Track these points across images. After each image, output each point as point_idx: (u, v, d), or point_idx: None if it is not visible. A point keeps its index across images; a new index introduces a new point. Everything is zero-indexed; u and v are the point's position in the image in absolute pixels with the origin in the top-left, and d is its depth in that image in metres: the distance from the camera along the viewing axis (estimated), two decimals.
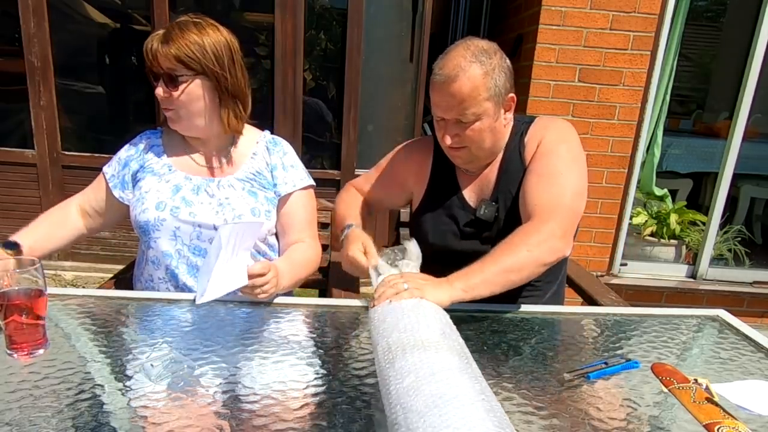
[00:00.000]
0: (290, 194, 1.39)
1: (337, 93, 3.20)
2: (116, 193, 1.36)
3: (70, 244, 1.38)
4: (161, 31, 1.22)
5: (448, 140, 1.24)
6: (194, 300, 1.15)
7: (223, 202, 1.31)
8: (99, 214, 1.39)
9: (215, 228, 1.27)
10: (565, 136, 1.29)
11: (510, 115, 1.29)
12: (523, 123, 1.35)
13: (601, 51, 2.78)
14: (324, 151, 3.26)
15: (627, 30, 2.75)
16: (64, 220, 1.36)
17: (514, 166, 1.31)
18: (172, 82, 1.23)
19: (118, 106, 3.31)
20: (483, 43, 1.21)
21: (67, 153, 3.16)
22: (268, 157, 1.40)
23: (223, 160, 1.37)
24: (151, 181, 1.32)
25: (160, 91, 1.24)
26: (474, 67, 1.16)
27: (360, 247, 1.24)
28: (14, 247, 1.20)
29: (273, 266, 1.17)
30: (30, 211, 3.20)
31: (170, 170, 1.34)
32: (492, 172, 1.35)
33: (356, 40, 3.02)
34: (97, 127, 3.27)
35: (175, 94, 1.24)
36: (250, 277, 1.12)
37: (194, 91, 1.25)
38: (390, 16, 3.12)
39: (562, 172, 1.22)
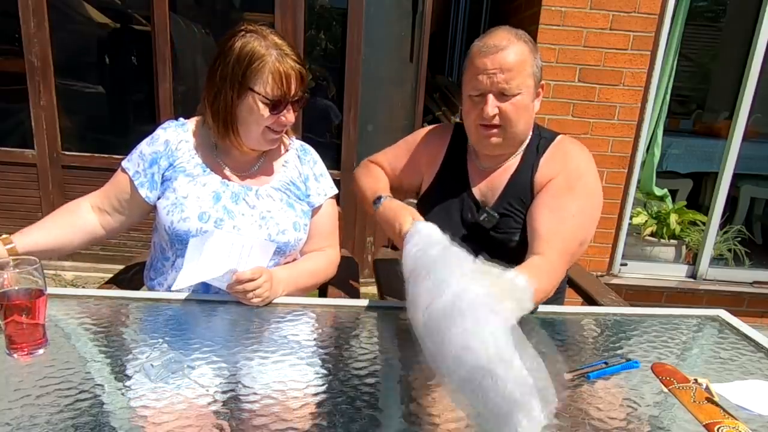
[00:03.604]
0: (321, 204, 1.40)
1: (337, 93, 3.20)
2: (143, 192, 1.28)
3: (82, 245, 1.30)
4: (275, 52, 1.18)
5: (490, 111, 1.22)
6: (180, 290, 1.17)
7: (266, 215, 1.28)
8: (120, 213, 1.31)
9: None
10: (585, 169, 1.29)
11: (538, 105, 1.30)
12: (543, 138, 1.35)
13: (601, 51, 2.78)
14: (324, 151, 3.26)
15: (627, 30, 2.75)
16: (70, 221, 1.27)
17: (523, 181, 1.31)
18: (298, 103, 1.26)
19: (118, 106, 3.31)
20: (521, 30, 1.27)
21: (67, 153, 3.16)
22: (300, 167, 1.39)
23: (256, 165, 1.34)
24: (185, 184, 1.26)
25: (292, 116, 1.25)
26: (521, 43, 1.22)
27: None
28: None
29: (266, 272, 1.16)
30: (30, 211, 3.21)
31: (204, 172, 1.29)
32: (504, 176, 1.34)
33: (356, 40, 3.02)
34: (97, 127, 3.27)
35: (296, 114, 1.27)
36: (240, 282, 1.12)
37: None
38: (390, 16, 3.12)
39: (575, 214, 1.24)
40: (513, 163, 1.34)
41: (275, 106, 1.21)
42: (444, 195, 1.39)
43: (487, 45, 1.21)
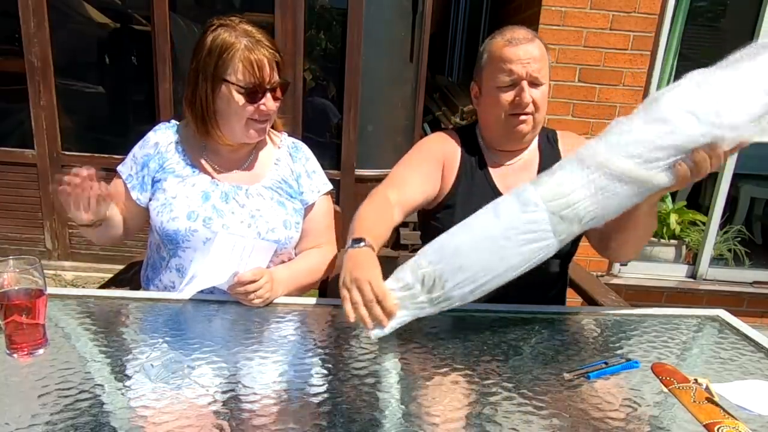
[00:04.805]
0: (315, 201, 1.38)
1: (337, 93, 3.20)
2: (134, 194, 1.29)
3: (119, 239, 1.33)
4: (245, 40, 1.17)
5: (528, 97, 1.23)
6: (183, 290, 1.18)
7: (255, 214, 1.28)
8: (121, 215, 1.31)
9: None
10: None
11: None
12: (548, 131, 1.40)
13: (601, 51, 2.78)
14: (324, 151, 3.27)
15: (627, 30, 2.75)
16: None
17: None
18: (280, 90, 1.23)
19: (118, 106, 3.31)
20: None
21: (67, 153, 3.16)
22: (292, 164, 1.37)
23: (246, 163, 1.33)
24: (174, 185, 1.27)
25: (273, 104, 1.22)
26: (538, 41, 1.27)
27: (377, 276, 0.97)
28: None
29: (267, 272, 1.16)
30: (30, 211, 3.22)
31: (193, 173, 1.29)
32: (529, 170, 1.33)
33: (356, 40, 3.02)
34: (97, 127, 3.27)
35: (278, 103, 1.25)
36: (242, 284, 1.12)
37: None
38: (390, 16, 3.12)
39: None
40: (531, 157, 1.36)
41: (251, 94, 1.19)
42: (470, 201, 1.28)
43: (515, 38, 1.24)
